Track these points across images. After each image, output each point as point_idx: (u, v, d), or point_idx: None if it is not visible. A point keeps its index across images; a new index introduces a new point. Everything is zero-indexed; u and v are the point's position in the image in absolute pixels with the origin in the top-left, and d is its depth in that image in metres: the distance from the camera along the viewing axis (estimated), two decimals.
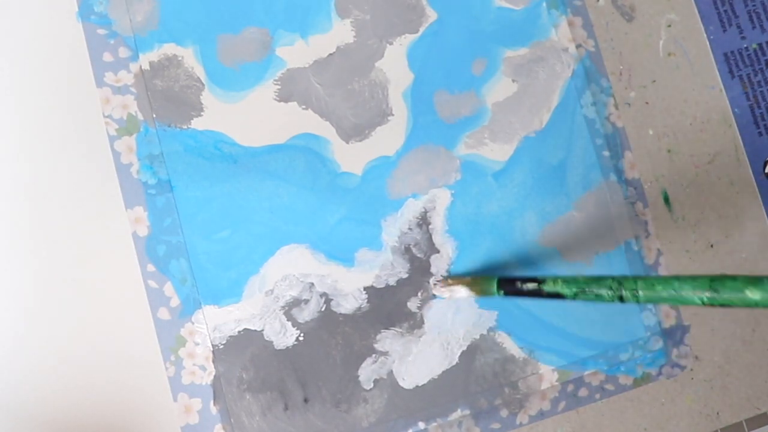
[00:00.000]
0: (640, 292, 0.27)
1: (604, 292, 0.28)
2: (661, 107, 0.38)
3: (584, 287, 0.29)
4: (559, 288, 0.30)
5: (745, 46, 0.38)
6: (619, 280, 0.28)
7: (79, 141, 0.35)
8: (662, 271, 0.37)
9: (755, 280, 0.24)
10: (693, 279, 0.25)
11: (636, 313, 0.36)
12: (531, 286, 0.31)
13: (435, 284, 0.35)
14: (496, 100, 0.37)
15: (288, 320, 0.35)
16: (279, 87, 0.36)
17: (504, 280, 0.32)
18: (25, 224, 0.35)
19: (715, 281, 0.24)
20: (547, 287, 0.30)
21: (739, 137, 0.38)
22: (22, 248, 0.34)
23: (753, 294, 0.24)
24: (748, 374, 0.37)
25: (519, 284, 0.31)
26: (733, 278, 0.24)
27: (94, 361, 0.34)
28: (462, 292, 0.34)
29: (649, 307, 0.36)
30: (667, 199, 0.37)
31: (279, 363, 0.35)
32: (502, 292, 0.32)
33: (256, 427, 0.34)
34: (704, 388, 0.37)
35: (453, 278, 0.35)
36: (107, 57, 0.35)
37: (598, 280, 0.28)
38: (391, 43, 0.37)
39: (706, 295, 0.25)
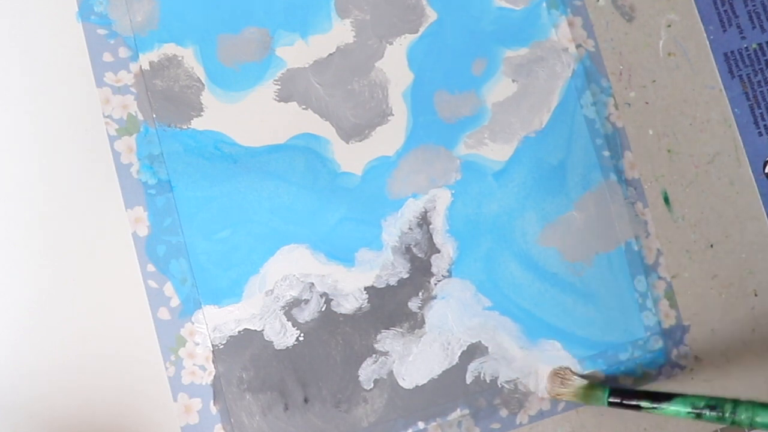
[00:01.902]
0: (756, 418, 0.27)
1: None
2: (661, 107, 0.38)
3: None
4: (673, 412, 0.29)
5: (745, 46, 0.38)
6: (733, 406, 0.28)
7: (79, 141, 0.35)
8: (662, 271, 0.37)
9: None
10: None
11: (636, 313, 0.36)
12: (646, 404, 0.30)
13: (554, 377, 0.35)
14: (496, 100, 0.37)
15: (288, 320, 0.35)
16: (279, 87, 0.36)
17: (615, 391, 0.32)
18: (25, 224, 0.34)
19: None
20: (659, 410, 0.29)
21: (739, 137, 0.38)
22: (22, 248, 0.34)
23: None
24: (748, 374, 0.37)
25: (634, 401, 0.31)
26: None
27: (94, 360, 0.34)
28: (570, 394, 0.34)
29: (648, 307, 0.36)
30: (667, 199, 0.37)
31: (279, 363, 0.35)
32: (607, 402, 0.32)
33: (256, 427, 0.34)
34: (704, 388, 0.37)
35: (570, 375, 0.34)
36: (107, 57, 0.35)
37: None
38: (391, 43, 0.37)
39: None
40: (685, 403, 0.29)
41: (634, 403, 0.31)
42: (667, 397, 0.30)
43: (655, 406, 0.30)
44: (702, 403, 0.28)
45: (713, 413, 0.28)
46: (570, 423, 0.36)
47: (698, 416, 0.28)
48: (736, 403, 0.27)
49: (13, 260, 0.34)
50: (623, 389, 0.32)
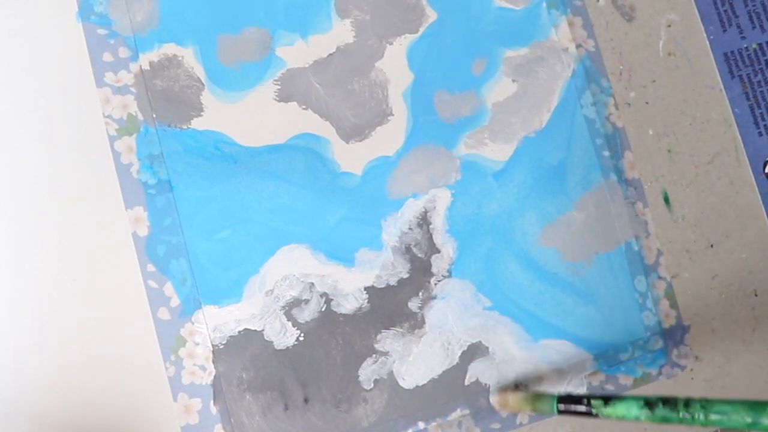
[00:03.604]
0: (710, 415, 0.26)
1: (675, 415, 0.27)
2: (661, 107, 0.38)
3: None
4: (624, 410, 0.29)
5: (745, 46, 0.38)
6: (686, 400, 0.27)
7: (79, 141, 0.35)
8: (662, 271, 0.37)
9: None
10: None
11: (636, 313, 0.36)
12: (596, 403, 0.30)
13: (494, 392, 0.35)
14: (496, 100, 0.37)
15: (288, 320, 0.35)
16: (279, 87, 0.36)
17: (564, 397, 0.31)
18: (25, 224, 0.34)
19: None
20: (610, 408, 0.29)
21: (739, 137, 0.38)
22: (22, 248, 0.34)
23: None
24: (748, 374, 0.37)
25: (584, 401, 0.30)
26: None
27: (94, 361, 0.34)
28: (516, 406, 0.34)
29: (649, 307, 0.36)
30: (667, 199, 0.37)
31: (279, 363, 0.35)
32: (558, 410, 0.31)
33: (256, 427, 0.34)
34: (704, 388, 0.37)
35: (513, 390, 0.34)
36: (107, 57, 0.35)
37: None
38: (391, 43, 0.37)
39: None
40: (637, 399, 0.29)
41: (583, 408, 0.30)
42: (618, 397, 0.29)
43: (606, 404, 0.29)
44: (654, 398, 0.28)
45: (666, 407, 0.28)
46: (570, 423, 0.36)
47: (652, 412, 0.28)
48: (689, 398, 0.27)
49: (14, 260, 0.34)
50: (572, 395, 0.31)
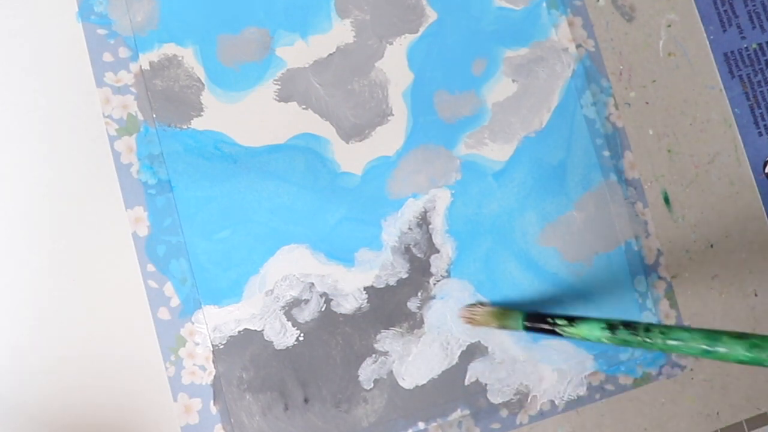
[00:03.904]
0: (668, 340, 0.27)
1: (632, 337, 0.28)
2: (661, 107, 0.38)
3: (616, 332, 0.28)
4: (587, 331, 0.29)
5: (745, 46, 0.38)
6: (647, 326, 0.28)
7: (79, 141, 0.35)
8: (662, 271, 0.37)
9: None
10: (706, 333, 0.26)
11: (636, 313, 0.36)
12: (561, 322, 0.30)
13: (461, 310, 0.35)
14: (496, 100, 0.37)
15: (288, 320, 0.35)
16: (279, 87, 0.36)
17: (531, 315, 0.32)
18: (25, 224, 0.35)
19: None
20: (574, 328, 0.30)
21: (739, 137, 0.38)
22: (22, 248, 0.34)
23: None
24: (748, 374, 0.37)
25: (549, 320, 0.31)
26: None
27: (94, 361, 0.34)
28: (484, 320, 0.34)
29: (648, 307, 0.36)
30: (667, 199, 0.37)
31: (279, 363, 0.35)
32: (524, 327, 0.32)
33: (256, 427, 0.34)
34: (704, 388, 0.37)
35: (481, 305, 0.35)
36: (107, 57, 0.35)
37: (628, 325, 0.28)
38: (391, 43, 0.37)
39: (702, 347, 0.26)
40: (600, 320, 0.29)
41: (548, 326, 0.31)
42: (582, 318, 0.30)
43: (571, 324, 0.30)
44: (617, 321, 0.28)
45: (627, 330, 0.28)
46: (570, 423, 0.36)
47: (613, 334, 0.28)
48: (650, 324, 0.28)
49: (14, 260, 0.34)
50: (539, 312, 0.32)
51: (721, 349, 0.25)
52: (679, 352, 0.27)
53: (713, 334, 0.26)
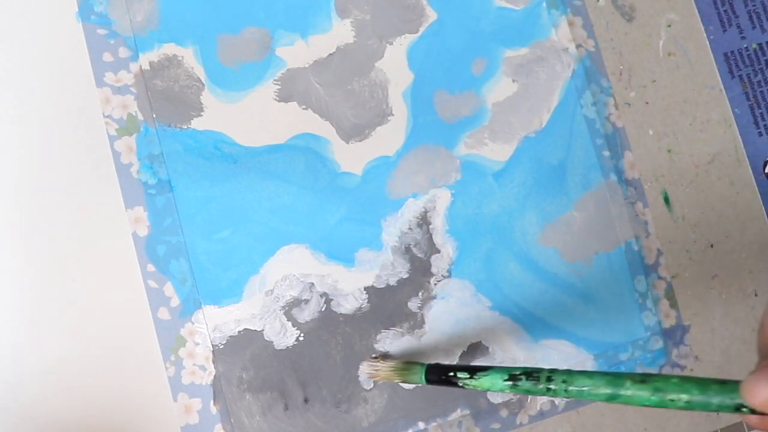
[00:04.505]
0: (570, 387, 0.26)
1: (534, 386, 0.27)
2: (661, 107, 0.38)
3: (517, 382, 0.28)
4: (489, 383, 0.29)
5: (745, 46, 0.38)
6: (549, 374, 0.27)
7: (79, 141, 0.35)
8: (662, 271, 0.37)
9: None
10: (609, 376, 0.26)
11: (636, 313, 0.36)
12: (462, 375, 0.30)
13: (364, 364, 0.35)
14: (496, 100, 0.37)
15: (288, 320, 0.35)
16: (279, 87, 0.36)
17: (433, 368, 0.31)
18: (25, 224, 0.34)
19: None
20: (476, 381, 0.29)
21: (739, 137, 0.38)
22: (22, 248, 0.34)
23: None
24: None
25: (450, 374, 0.30)
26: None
27: (94, 361, 0.34)
28: (386, 375, 0.33)
29: (649, 307, 0.36)
30: (667, 199, 0.37)
31: (279, 363, 0.35)
32: (426, 380, 0.31)
33: (256, 427, 0.34)
34: None
35: (382, 359, 0.34)
36: (107, 57, 0.35)
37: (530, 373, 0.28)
38: (391, 43, 0.37)
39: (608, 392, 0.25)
40: (501, 371, 0.29)
41: (451, 376, 0.30)
42: (483, 369, 0.29)
43: (472, 377, 0.30)
44: (519, 371, 0.28)
45: (529, 381, 0.28)
46: (570, 423, 0.36)
47: (515, 385, 0.28)
48: (552, 371, 0.27)
49: (13, 260, 0.34)
50: (440, 365, 0.31)
51: (625, 393, 0.25)
52: (583, 399, 0.27)
53: (616, 380, 0.25)
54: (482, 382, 0.29)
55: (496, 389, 0.29)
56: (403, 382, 0.33)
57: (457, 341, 0.36)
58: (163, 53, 0.36)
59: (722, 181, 0.38)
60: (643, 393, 0.25)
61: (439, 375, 0.31)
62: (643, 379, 0.25)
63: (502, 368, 0.29)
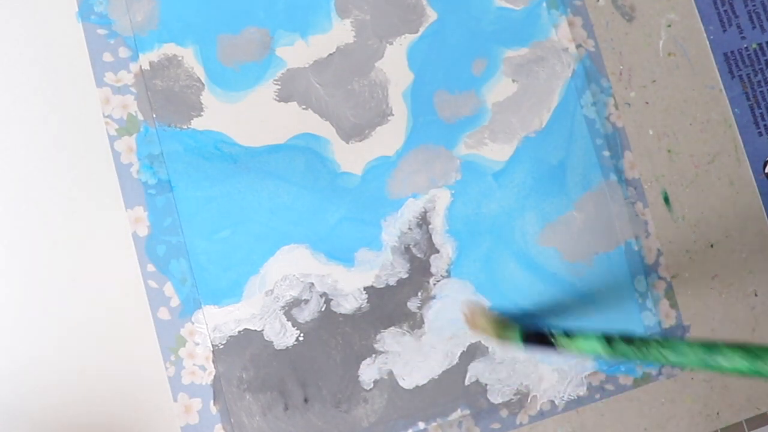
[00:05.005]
0: (666, 351, 0.27)
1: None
2: (661, 107, 0.38)
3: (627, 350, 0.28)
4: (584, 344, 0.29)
5: (745, 46, 0.38)
6: (644, 339, 0.28)
7: (79, 141, 0.35)
8: (662, 271, 0.37)
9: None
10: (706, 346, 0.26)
11: (636, 313, 0.36)
12: (559, 335, 0.30)
13: (464, 305, 0.35)
14: (496, 100, 0.37)
15: (288, 320, 0.35)
16: (279, 87, 0.36)
17: (529, 327, 0.32)
18: (25, 224, 0.35)
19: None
20: (572, 342, 0.30)
21: (739, 137, 0.38)
22: (22, 248, 0.34)
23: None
24: None
25: (548, 334, 0.31)
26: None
27: (94, 361, 0.34)
28: (483, 327, 0.34)
29: (648, 307, 0.36)
30: (667, 199, 0.37)
31: (279, 363, 0.35)
32: (521, 338, 0.32)
33: (256, 427, 0.34)
34: (704, 388, 0.37)
35: (484, 310, 0.35)
36: (107, 57, 0.35)
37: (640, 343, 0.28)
38: (391, 43, 0.37)
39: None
40: (598, 333, 0.29)
41: (547, 335, 0.30)
42: (580, 332, 0.30)
43: (569, 337, 0.30)
44: (615, 335, 0.28)
45: (626, 345, 0.28)
46: (570, 423, 0.36)
47: (611, 347, 0.28)
48: (647, 338, 0.27)
49: (13, 260, 0.34)
50: (536, 326, 0.32)
51: (720, 361, 0.25)
52: (677, 365, 0.27)
53: (712, 347, 0.25)
54: (579, 343, 0.29)
55: (590, 351, 0.29)
56: (497, 337, 0.33)
57: (456, 341, 0.36)
58: (163, 53, 0.36)
59: (722, 181, 0.38)
60: (738, 360, 0.25)
61: (536, 335, 0.31)
62: (741, 346, 0.25)
63: (598, 331, 0.29)
